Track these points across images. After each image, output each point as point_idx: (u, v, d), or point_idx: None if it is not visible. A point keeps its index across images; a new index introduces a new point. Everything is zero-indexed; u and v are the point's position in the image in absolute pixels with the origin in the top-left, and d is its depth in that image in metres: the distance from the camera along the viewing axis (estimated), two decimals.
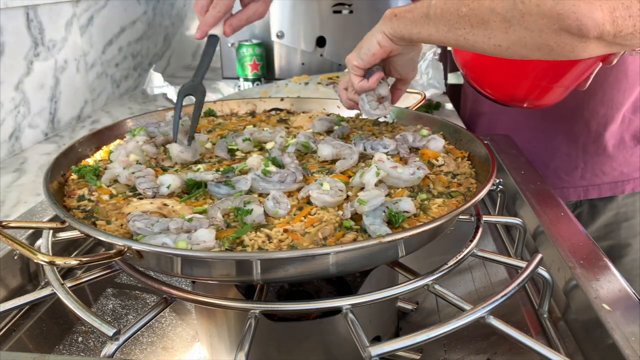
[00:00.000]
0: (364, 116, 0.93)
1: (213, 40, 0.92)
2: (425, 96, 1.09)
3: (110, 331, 0.56)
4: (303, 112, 1.08)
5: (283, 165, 0.77)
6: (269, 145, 0.88)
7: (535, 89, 0.99)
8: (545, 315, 0.73)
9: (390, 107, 0.89)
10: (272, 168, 0.75)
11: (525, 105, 1.04)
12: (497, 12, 0.61)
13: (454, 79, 2.09)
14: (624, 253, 1.27)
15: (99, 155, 0.87)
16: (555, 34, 0.56)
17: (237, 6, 0.93)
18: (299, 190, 0.73)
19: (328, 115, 1.03)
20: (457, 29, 0.68)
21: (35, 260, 0.53)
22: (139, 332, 0.62)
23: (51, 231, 0.75)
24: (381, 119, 0.99)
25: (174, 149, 0.84)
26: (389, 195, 0.71)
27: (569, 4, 0.53)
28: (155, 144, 0.89)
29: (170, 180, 0.72)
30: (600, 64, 0.94)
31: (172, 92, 1.66)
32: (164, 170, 0.81)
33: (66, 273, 0.86)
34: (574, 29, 0.54)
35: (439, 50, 1.73)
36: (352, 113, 1.07)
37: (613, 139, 1.22)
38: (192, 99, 0.90)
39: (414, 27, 0.75)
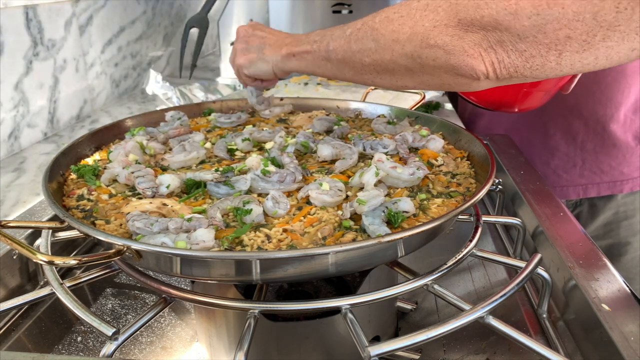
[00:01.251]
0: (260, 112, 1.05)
1: None
2: (424, 96, 1.09)
3: (109, 331, 0.56)
4: (303, 112, 1.08)
5: (282, 165, 0.77)
6: (268, 145, 0.88)
7: (517, 95, 1.01)
8: (544, 315, 0.73)
9: (271, 103, 1.05)
10: (272, 168, 0.75)
11: (511, 110, 1.06)
12: (400, 64, 0.67)
13: None
14: (623, 252, 1.28)
15: (98, 154, 0.87)
16: (452, 77, 0.64)
17: None
18: (298, 190, 0.73)
19: (327, 115, 1.03)
20: (363, 74, 0.73)
21: (35, 260, 0.53)
22: (138, 332, 0.63)
23: (50, 231, 0.75)
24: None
25: (177, 156, 0.83)
26: (388, 195, 0.71)
27: (459, 59, 0.61)
28: (157, 141, 0.89)
29: (170, 180, 0.72)
30: None
31: (171, 92, 1.66)
32: (163, 170, 0.81)
33: (65, 273, 0.86)
34: (467, 74, 0.62)
35: None
36: (351, 113, 1.07)
37: (613, 138, 1.22)
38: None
39: (315, 68, 0.80)
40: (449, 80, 0.65)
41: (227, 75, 2.01)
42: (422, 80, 0.68)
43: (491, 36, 0.58)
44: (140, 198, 0.71)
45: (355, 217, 0.66)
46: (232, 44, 1.82)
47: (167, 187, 0.72)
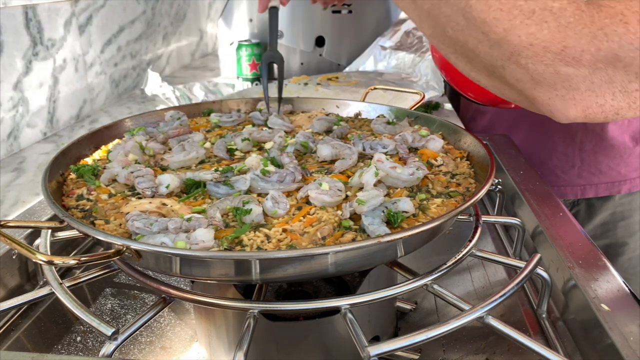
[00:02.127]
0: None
1: (274, 12, 1.04)
2: (424, 96, 1.09)
3: (108, 331, 0.56)
4: (302, 112, 1.08)
5: (282, 165, 0.77)
6: (267, 145, 0.88)
7: None
8: (543, 315, 0.73)
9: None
10: (271, 168, 0.75)
11: (509, 105, 1.05)
12: (481, 59, 0.57)
13: None
14: (620, 252, 1.28)
15: (98, 154, 0.87)
16: (529, 104, 0.57)
17: None
18: (297, 190, 0.73)
19: (327, 115, 1.03)
20: (441, 42, 0.62)
21: (34, 260, 0.53)
22: (137, 332, 0.63)
23: (50, 231, 0.75)
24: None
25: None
26: (388, 195, 0.71)
27: (545, 97, 0.52)
28: (157, 140, 0.89)
29: (169, 180, 0.72)
30: None
31: (170, 92, 1.66)
32: (163, 169, 0.81)
33: (65, 272, 0.86)
34: (546, 111, 0.54)
35: None
36: (351, 113, 1.07)
37: (611, 138, 1.22)
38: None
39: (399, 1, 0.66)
40: (523, 102, 0.57)
41: (226, 75, 2.01)
42: (497, 86, 0.60)
43: (599, 76, 0.49)
44: (140, 198, 0.71)
45: (355, 217, 0.66)
46: (231, 44, 1.81)
47: (167, 187, 0.72)
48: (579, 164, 1.25)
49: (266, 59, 1.04)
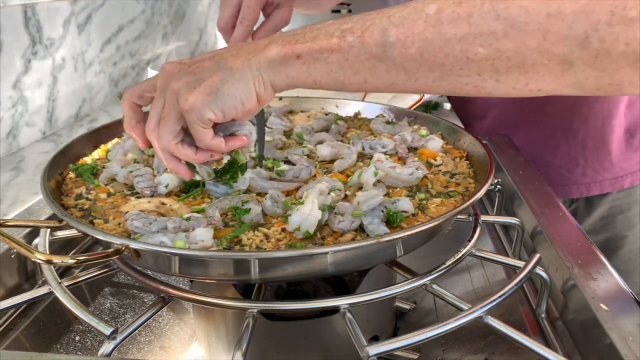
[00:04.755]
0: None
1: None
2: (423, 96, 1.09)
3: (107, 330, 0.56)
4: (302, 112, 1.08)
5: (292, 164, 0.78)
6: (267, 139, 0.88)
7: None
8: (543, 315, 0.73)
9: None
10: (284, 167, 0.75)
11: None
12: (553, 53, 0.44)
13: None
14: (620, 245, 1.28)
15: (97, 154, 0.87)
16: (631, 74, 0.44)
17: None
18: (297, 189, 0.73)
19: (327, 114, 1.03)
20: (463, 77, 0.48)
21: (33, 259, 0.53)
22: (136, 331, 0.62)
23: (48, 230, 0.75)
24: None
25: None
26: (387, 194, 0.71)
27: None
28: None
29: (169, 179, 0.72)
30: None
31: None
32: None
33: (64, 272, 0.86)
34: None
35: None
36: (350, 113, 1.07)
37: (612, 134, 1.22)
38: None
39: (348, 77, 0.51)
40: (623, 77, 0.44)
41: None
42: (576, 80, 0.46)
43: None
44: (139, 197, 0.71)
45: None
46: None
47: (166, 186, 0.72)
48: (583, 162, 1.25)
49: None
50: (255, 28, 0.86)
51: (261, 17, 0.89)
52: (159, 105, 0.58)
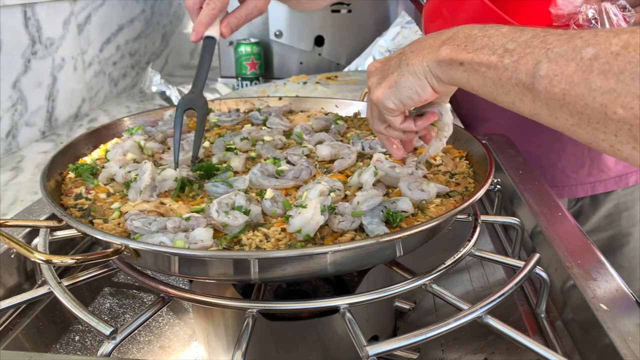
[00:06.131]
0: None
1: (210, 42, 0.81)
2: None
3: (107, 330, 0.56)
4: (301, 111, 1.08)
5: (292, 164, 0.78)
6: (267, 138, 0.89)
7: None
8: (542, 315, 0.73)
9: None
10: (285, 167, 0.75)
11: None
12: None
13: None
14: (625, 242, 1.29)
15: (96, 153, 0.87)
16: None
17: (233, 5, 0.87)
18: (296, 189, 0.73)
19: (326, 114, 1.03)
20: (600, 131, 0.46)
21: (32, 259, 0.53)
22: (136, 331, 0.62)
23: (48, 230, 0.75)
24: None
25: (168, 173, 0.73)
26: (387, 194, 0.71)
27: None
28: (155, 140, 0.89)
29: (176, 174, 0.73)
30: None
31: (169, 91, 1.66)
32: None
33: (63, 272, 0.86)
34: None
35: None
36: (350, 113, 1.07)
37: None
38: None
39: (499, 94, 0.53)
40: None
41: (225, 74, 2.01)
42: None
43: None
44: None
45: None
46: (230, 43, 1.77)
47: (175, 179, 0.72)
48: (589, 162, 1.26)
49: (183, 105, 0.78)
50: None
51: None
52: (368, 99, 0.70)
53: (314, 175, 0.76)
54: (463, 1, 1.02)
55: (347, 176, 0.76)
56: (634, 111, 0.42)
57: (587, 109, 0.45)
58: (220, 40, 1.97)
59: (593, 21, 0.89)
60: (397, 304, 0.89)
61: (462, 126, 1.19)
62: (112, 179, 0.77)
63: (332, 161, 0.82)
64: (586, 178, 1.27)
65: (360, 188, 0.71)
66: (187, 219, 0.62)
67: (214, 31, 0.82)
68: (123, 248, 0.56)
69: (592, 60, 0.44)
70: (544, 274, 0.69)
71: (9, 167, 1.15)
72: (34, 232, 0.80)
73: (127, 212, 0.66)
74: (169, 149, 0.88)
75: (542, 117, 0.51)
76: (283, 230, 0.63)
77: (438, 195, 0.71)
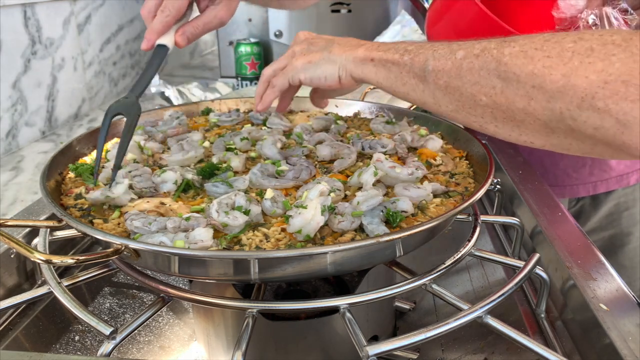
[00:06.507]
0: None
1: (160, 51, 0.78)
2: None
3: (107, 330, 0.56)
4: (301, 111, 1.08)
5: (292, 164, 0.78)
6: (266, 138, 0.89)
7: None
8: (542, 315, 0.73)
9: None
10: (285, 167, 0.75)
11: None
12: (536, 117, 0.52)
13: None
14: (626, 241, 1.29)
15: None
16: (610, 151, 0.50)
17: None
18: (296, 189, 0.73)
19: (326, 114, 1.03)
20: (472, 115, 0.58)
21: (32, 259, 0.52)
22: (136, 331, 0.62)
23: (48, 230, 0.75)
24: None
25: (119, 190, 0.68)
26: (386, 194, 0.71)
27: (638, 139, 0.45)
28: (155, 140, 0.89)
29: (176, 176, 0.73)
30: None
31: (169, 91, 1.66)
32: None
33: (63, 272, 0.86)
34: (633, 153, 0.47)
35: None
36: (350, 112, 1.07)
37: None
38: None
39: (399, 84, 0.65)
40: (603, 151, 0.51)
41: (225, 74, 2.01)
42: (560, 143, 0.53)
43: None
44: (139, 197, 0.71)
45: None
46: (230, 43, 1.76)
47: (175, 182, 0.72)
48: (590, 162, 1.26)
49: (112, 110, 0.74)
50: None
51: None
52: (286, 55, 0.78)
53: (314, 175, 0.76)
54: (462, 6, 1.02)
55: (347, 176, 0.76)
56: (492, 98, 0.55)
57: (462, 97, 0.58)
58: (220, 40, 1.98)
59: (594, 27, 0.89)
60: (397, 304, 0.89)
61: (462, 126, 1.19)
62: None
63: (332, 161, 0.82)
64: (588, 177, 1.27)
65: (360, 188, 0.71)
66: (187, 219, 0.62)
67: (167, 40, 0.79)
68: (123, 248, 0.56)
69: (462, 60, 0.57)
70: (544, 274, 0.69)
71: (9, 167, 1.15)
72: (34, 232, 0.80)
73: (127, 212, 0.66)
74: (169, 149, 0.88)
75: (428, 106, 0.64)
76: (283, 230, 0.63)
77: (437, 195, 0.71)
